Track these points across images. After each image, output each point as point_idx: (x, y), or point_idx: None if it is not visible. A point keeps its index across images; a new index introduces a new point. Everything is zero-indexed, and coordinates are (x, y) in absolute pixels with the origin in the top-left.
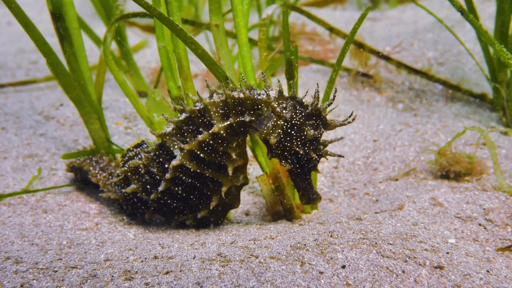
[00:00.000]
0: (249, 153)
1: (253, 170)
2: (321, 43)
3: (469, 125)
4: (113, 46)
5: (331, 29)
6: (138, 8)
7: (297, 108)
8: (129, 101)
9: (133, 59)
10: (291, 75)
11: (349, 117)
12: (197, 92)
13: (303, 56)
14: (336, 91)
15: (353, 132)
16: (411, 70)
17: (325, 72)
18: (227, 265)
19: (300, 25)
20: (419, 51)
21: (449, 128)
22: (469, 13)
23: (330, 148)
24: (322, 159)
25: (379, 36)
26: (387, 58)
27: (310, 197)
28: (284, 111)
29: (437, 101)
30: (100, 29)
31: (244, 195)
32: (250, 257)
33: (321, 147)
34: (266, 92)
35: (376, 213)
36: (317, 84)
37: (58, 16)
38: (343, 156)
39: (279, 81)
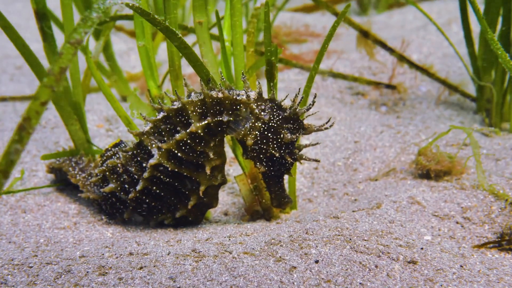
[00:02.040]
0: (231, 154)
1: (233, 171)
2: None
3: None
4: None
5: (337, 14)
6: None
7: (276, 110)
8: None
9: (117, 63)
10: (271, 76)
11: (327, 123)
12: (175, 91)
13: (289, 61)
14: (315, 96)
15: (334, 134)
16: (412, 65)
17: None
18: (200, 260)
19: (287, 28)
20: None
21: (431, 129)
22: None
23: (310, 149)
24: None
25: None
26: (391, 50)
27: (281, 201)
28: (262, 113)
29: (421, 104)
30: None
31: (223, 195)
32: (224, 253)
33: (297, 151)
34: (246, 92)
35: (353, 211)
36: (299, 90)
37: (42, 15)
38: (318, 161)
39: (259, 83)
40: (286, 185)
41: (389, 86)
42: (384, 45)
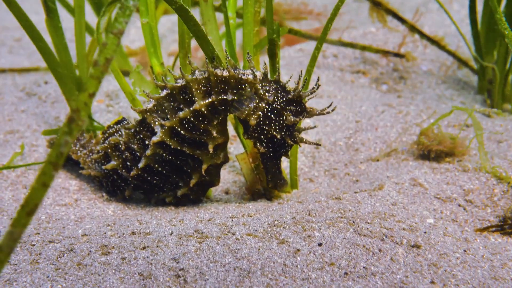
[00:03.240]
0: (231, 132)
1: (234, 149)
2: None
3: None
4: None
5: None
6: None
7: (280, 92)
8: (111, 79)
9: None
10: (273, 55)
11: (328, 107)
12: (180, 68)
13: (298, 31)
14: (318, 79)
15: (335, 113)
16: (423, 35)
17: (309, 52)
18: (203, 241)
19: (287, 5)
20: (405, 31)
21: (432, 109)
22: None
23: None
24: None
25: (365, 17)
26: (402, 20)
27: (278, 182)
28: (267, 94)
29: (422, 83)
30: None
31: (224, 173)
32: (227, 234)
33: (297, 133)
34: (253, 72)
35: (355, 192)
36: (301, 72)
37: None
38: (319, 144)
39: (265, 63)
40: (287, 165)
41: (398, 55)
42: (395, 15)
